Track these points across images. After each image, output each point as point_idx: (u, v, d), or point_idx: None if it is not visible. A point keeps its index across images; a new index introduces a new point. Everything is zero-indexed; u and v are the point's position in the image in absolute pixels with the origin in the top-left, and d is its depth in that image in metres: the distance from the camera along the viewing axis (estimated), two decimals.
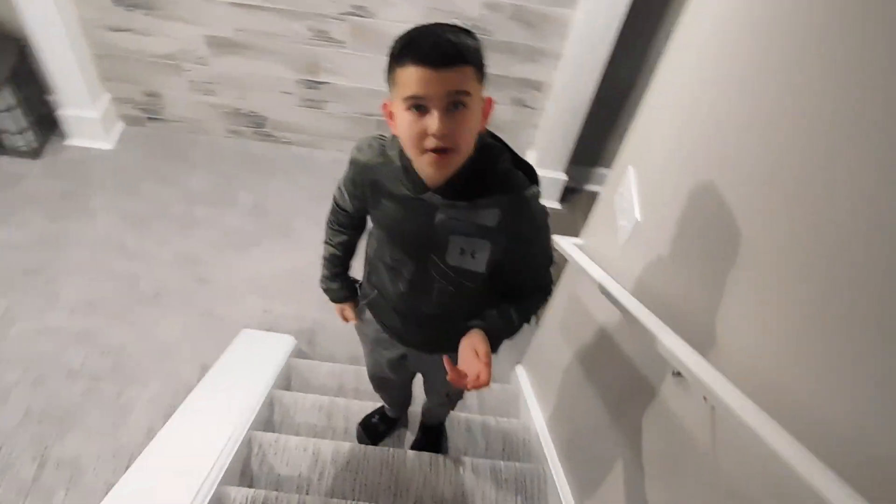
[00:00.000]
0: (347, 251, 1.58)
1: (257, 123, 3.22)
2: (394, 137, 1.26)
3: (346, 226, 1.53)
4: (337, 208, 1.52)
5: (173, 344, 2.48)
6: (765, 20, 1.11)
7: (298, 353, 2.52)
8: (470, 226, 1.23)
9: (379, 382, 1.88)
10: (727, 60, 1.22)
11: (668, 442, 1.30)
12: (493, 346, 1.33)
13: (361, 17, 2.70)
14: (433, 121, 1.06)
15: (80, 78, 2.89)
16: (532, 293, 1.39)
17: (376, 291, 1.52)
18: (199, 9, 2.72)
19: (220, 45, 2.86)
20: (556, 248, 1.99)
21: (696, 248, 1.28)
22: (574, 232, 2.20)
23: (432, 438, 2.18)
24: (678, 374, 1.21)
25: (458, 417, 2.22)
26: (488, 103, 1.17)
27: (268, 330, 2.56)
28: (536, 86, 2.91)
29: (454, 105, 1.06)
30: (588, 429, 1.76)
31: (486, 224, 1.22)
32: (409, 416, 2.23)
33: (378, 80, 2.93)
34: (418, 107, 1.07)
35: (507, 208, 1.22)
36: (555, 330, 2.21)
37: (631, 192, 1.61)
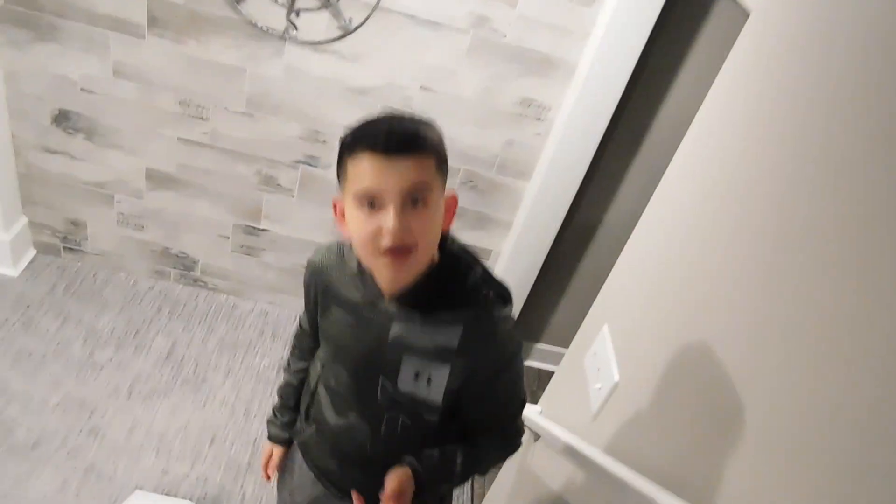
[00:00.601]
0: (304, 380, 1.39)
1: (186, 266, 3.05)
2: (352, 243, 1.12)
3: (307, 351, 1.36)
4: (300, 331, 1.37)
5: (41, 501, 2.13)
6: (746, 182, 1.08)
7: None
8: (427, 344, 1.06)
9: None
10: (709, 217, 1.17)
11: None
12: (422, 490, 1.13)
13: (313, 166, 2.68)
14: (388, 217, 0.93)
15: None
16: (492, 439, 1.21)
17: (314, 427, 1.30)
18: (143, 140, 2.64)
19: (159, 179, 2.75)
20: None
21: (687, 409, 1.14)
22: None
23: None
24: None
25: None
26: (452, 201, 1.05)
27: (165, 494, 2.25)
28: (484, 254, 2.93)
29: (413, 201, 0.94)
30: None
31: (446, 344, 1.06)
32: None
33: (322, 234, 2.90)
34: (372, 203, 0.94)
35: (472, 327, 1.06)
36: None
37: (606, 351, 1.49)
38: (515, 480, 1.94)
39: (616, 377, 1.42)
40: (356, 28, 2.32)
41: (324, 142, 2.60)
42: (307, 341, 1.36)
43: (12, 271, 2.88)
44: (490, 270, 1.13)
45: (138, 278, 3.07)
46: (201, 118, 2.58)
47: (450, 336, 1.05)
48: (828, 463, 0.77)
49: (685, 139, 1.37)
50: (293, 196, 2.79)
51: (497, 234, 2.82)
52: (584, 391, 1.57)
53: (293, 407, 1.41)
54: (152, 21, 2.36)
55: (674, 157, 1.41)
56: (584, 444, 1.42)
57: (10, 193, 2.77)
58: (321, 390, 1.27)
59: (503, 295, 1.11)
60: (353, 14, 2.30)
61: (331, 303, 1.16)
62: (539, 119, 2.50)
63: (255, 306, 3.12)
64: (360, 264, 1.09)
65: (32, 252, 3.00)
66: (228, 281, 3.10)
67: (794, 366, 0.85)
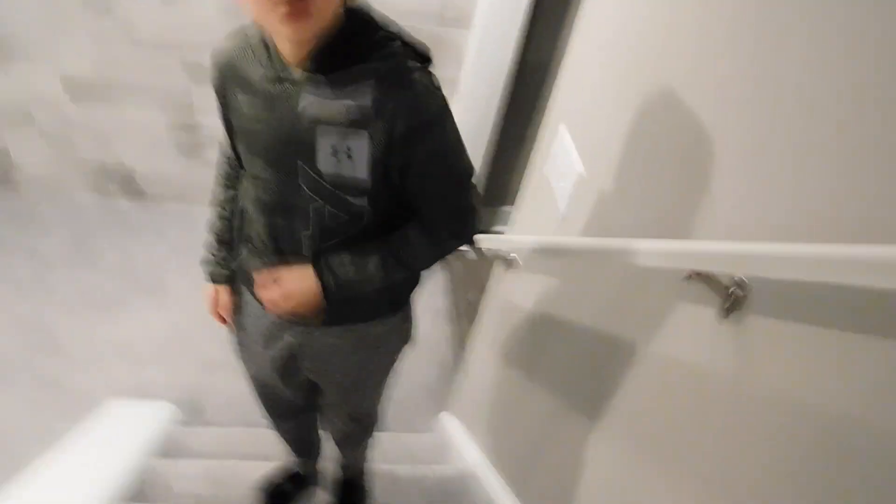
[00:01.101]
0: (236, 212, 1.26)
1: (125, 178, 2.89)
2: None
3: (235, 178, 1.27)
4: (222, 157, 1.27)
5: (11, 423, 2.07)
6: None
7: (181, 424, 2.18)
8: (340, 111, 0.97)
9: (267, 397, 1.51)
10: None
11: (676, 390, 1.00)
12: (331, 290, 1.09)
13: None
14: None
15: None
16: (441, 223, 1.10)
17: (247, 246, 1.21)
18: (53, 47, 2.45)
19: (78, 86, 2.58)
20: (478, 246, 1.84)
21: (659, 174, 1.07)
22: (489, 277, 2.07)
23: (352, 497, 1.81)
24: (693, 275, 0.94)
25: (381, 470, 1.94)
26: None
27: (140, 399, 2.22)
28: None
29: None
30: (544, 439, 1.48)
31: (359, 103, 0.96)
32: (323, 475, 1.92)
33: None
34: None
35: (384, 79, 0.96)
36: (484, 356, 2.00)
37: (567, 148, 1.43)
38: (497, 322, 1.95)
39: (580, 168, 1.36)
40: None
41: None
42: (232, 166, 1.26)
43: None
44: (404, 30, 1.03)
45: (78, 198, 2.93)
46: (111, 11, 2.40)
47: (362, 94, 0.96)
48: (796, 197, 0.74)
49: None
50: None
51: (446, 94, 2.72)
52: (551, 199, 1.54)
53: (228, 240, 1.31)
54: None
55: None
56: (558, 239, 1.38)
57: None
58: (247, 205, 1.18)
59: (423, 52, 1.02)
60: None
61: (235, 89, 1.06)
62: None
63: (204, 210, 3.00)
64: (262, 37, 1.00)
65: None
66: (172, 187, 2.96)
67: (759, 112, 0.80)
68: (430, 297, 2.76)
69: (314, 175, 1.02)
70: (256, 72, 1.01)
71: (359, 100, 0.95)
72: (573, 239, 1.34)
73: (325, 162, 1.00)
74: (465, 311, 2.67)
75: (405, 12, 2.44)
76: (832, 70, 0.70)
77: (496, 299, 1.97)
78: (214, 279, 1.33)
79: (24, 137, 2.72)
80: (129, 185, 2.95)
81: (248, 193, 1.15)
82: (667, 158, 1.04)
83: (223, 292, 1.33)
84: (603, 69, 1.32)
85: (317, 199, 1.04)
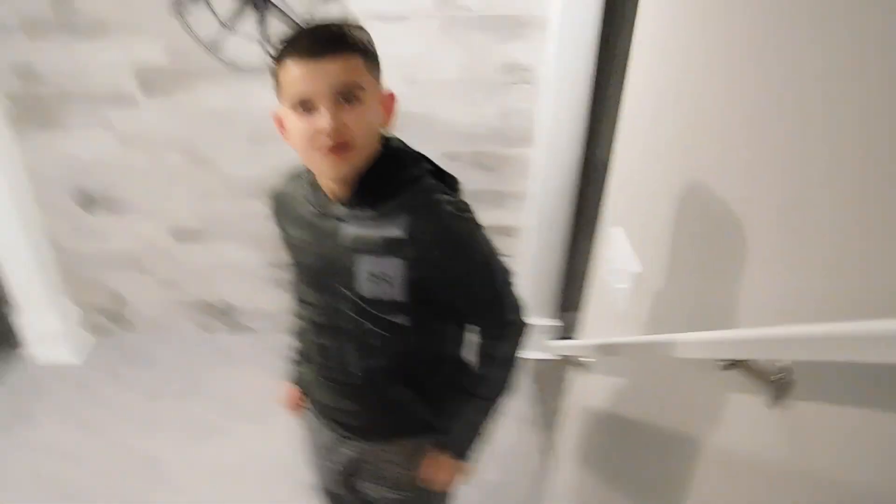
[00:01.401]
0: None
1: (228, 314, 3.16)
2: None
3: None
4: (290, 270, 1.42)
5: None
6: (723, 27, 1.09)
7: None
8: (377, 241, 1.11)
9: (330, 499, 1.60)
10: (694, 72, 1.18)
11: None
12: (464, 453, 1.26)
13: None
14: (322, 117, 1.00)
15: (42, 289, 2.87)
16: (492, 326, 1.23)
17: (305, 366, 1.37)
18: (160, 200, 2.79)
19: (184, 234, 2.90)
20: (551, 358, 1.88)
21: (704, 263, 1.12)
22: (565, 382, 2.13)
23: None
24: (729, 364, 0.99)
25: None
26: (389, 97, 1.11)
27: None
28: (508, 231, 3.00)
29: (345, 99, 1.01)
30: None
31: (394, 235, 1.10)
32: None
33: None
34: (306, 107, 1.01)
35: (416, 212, 1.10)
36: (568, 463, 2.04)
37: (623, 250, 1.53)
38: (580, 432, 1.98)
39: (637, 268, 1.45)
40: None
41: None
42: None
43: (70, 355, 3.06)
44: (435, 162, 1.19)
45: (186, 335, 3.21)
46: (208, 164, 2.74)
47: (397, 226, 1.09)
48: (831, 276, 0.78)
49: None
50: None
51: (515, 207, 2.86)
52: (612, 300, 1.61)
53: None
54: (143, 87, 2.52)
55: (634, 35, 1.48)
56: (620, 336, 1.45)
57: (56, 286, 2.96)
58: (300, 321, 1.35)
59: (447, 179, 1.17)
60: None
61: (287, 224, 1.23)
62: (526, 81, 2.55)
63: None
64: (310, 177, 1.16)
65: (86, 335, 3.18)
66: (272, 319, 3.21)
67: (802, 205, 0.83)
68: (516, 406, 2.81)
69: (356, 298, 1.16)
70: (305, 208, 1.17)
71: (394, 231, 1.10)
72: (625, 338, 1.41)
73: (365, 286, 1.14)
74: (547, 419, 2.69)
75: (470, 135, 2.64)
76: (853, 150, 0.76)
77: (573, 404, 2.02)
78: (290, 378, 1.51)
79: (134, 280, 3.05)
80: (229, 319, 3.21)
81: (303, 315, 1.32)
82: (708, 248, 1.12)
83: (292, 390, 1.51)
84: (645, 166, 1.43)
85: (360, 319, 1.18)
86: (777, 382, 0.86)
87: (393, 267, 1.12)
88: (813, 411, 0.81)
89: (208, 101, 2.59)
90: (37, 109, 2.59)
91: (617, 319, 1.58)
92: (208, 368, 3.04)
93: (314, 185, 1.17)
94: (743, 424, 0.98)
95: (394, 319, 1.18)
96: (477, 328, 1.26)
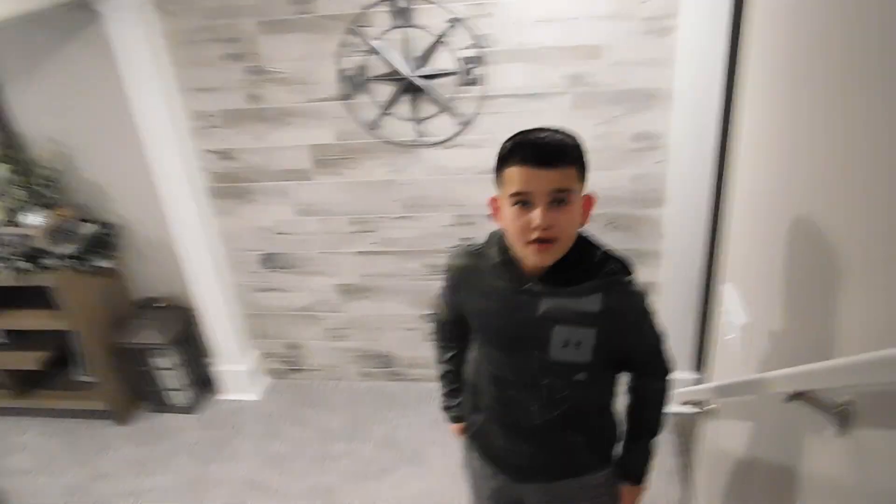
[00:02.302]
0: (460, 365, 1.66)
1: (387, 363, 3.55)
2: (491, 236, 1.41)
3: (451, 338, 1.65)
4: (438, 325, 1.66)
5: None
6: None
7: None
8: (574, 314, 1.31)
9: None
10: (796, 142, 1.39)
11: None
12: (644, 478, 1.50)
13: None
14: (536, 215, 1.20)
15: (233, 338, 3.41)
16: (654, 374, 1.47)
17: (481, 415, 1.55)
18: (330, 261, 3.26)
19: (350, 291, 3.34)
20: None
21: (805, 306, 1.27)
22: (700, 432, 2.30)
23: None
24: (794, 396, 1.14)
25: None
26: (589, 201, 1.30)
27: None
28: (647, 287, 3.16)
29: (557, 202, 1.20)
30: None
31: (590, 310, 1.31)
32: None
33: None
34: (524, 203, 1.21)
35: (609, 292, 1.31)
36: None
37: (733, 304, 1.70)
38: (718, 474, 2.16)
39: (744, 318, 1.63)
40: (472, 118, 2.81)
41: (472, 223, 3.05)
42: (448, 329, 1.63)
43: (255, 396, 3.58)
44: (610, 248, 1.41)
45: (352, 382, 3.64)
46: (370, 230, 3.17)
47: (591, 303, 1.31)
48: None
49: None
50: None
51: (651, 265, 3.06)
52: (727, 353, 1.79)
53: (456, 389, 1.69)
54: (316, 164, 3.02)
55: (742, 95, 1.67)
56: (738, 377, 1.58)
57: (242, 332, 3.52)
58: (480, 379, 1.52)
59: (626, 263, 1.39)
60: (466, 108, 2.79)
61: (476, 295, 1.42)
62: (655, 148, 2.78)
63: None
64: (503, 255, 1.36)
65: (266, 378, 3.69)
66: (426, 368, 3.56)
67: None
68: (663, 458, 2.97)
69: (546, 360, 1.37)
70: (496, 283, 1.37)
71: (589, 307, 1.32)
72: (727, 380, 1.58)
73: (557, 351, 1.36)
74: (688, 470, 2.83)
75: (607, 199, 2.92)
76: None
77: (706, 450, 2.19)
78: (456, 421, 1.73)
79: (312, 333, 3.56)
80: (391, 369, 3.64)
81: (482, 371, 1.51)
82: (807, 294, 1.26)
83: (460, 427, 1.72)
84: (755, 223, 1.61)
85: (547, 377, 1.39)
86: (842, 412, 1.01)
87: (586, 336, 1.34)
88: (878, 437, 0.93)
89: (368, 174, 3.04)
90: (232, 185, 3.18)
91: (733, 366, 1.76)
92: (372, 412, 3.43)
93: (507, 263, 1.35)
94: (817, 456, 1.13)
95: (575, 377, 1.40)
96: (639, 377, 1.52)
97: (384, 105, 2.86)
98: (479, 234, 2.97)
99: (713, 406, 2.03)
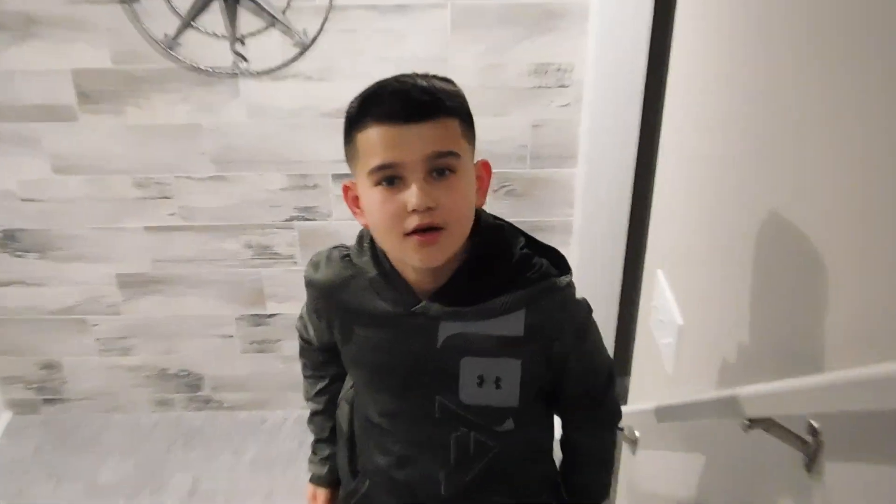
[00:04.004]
0: (335, 402, 1.61)
1: (191, 386, 3.45)
2: (361, 241, 1.33)
3: (322, 366, 1.59)
4: (305, 346, 1.60)
5: None
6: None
7: None
8: (487, 341, 1.25)
9: None
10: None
11: None
12: None
13: (310, 219, 3.08)
14: (411, 193, 1.11)
15: None
16: (596, 420, 1.46)
17: (367, 481, 1.50)
18: (105, 241, 3.11)
19: (135, 284, 3.20)
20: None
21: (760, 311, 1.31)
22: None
23: None
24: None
25: None
26: (484, 168, 1.25)
27: None
28: None
29: (438, 171, 1.13)
30: None
31: (511, 333, 1.25)
32: None
33: None
34: (390, 179, 1.13)
35: (536, 306, 1.25)
36: None
37: (666, 297, 1.76)
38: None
39: (679, 319, 1.68)
40: (314, 38, 2.73)
41: (315, 186, 3.00)
42: (316, 356, 1.58)
43: None
44: (532, 237, 1.34)
45: (138, 414, 3.50)
46: (165, 197, 3.04)
47: (511, 323, 1.25)
48: None
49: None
50: (296, 262, 3.18)
51: (558, 242, 3.08)
52: (658, 357, 1.85)
53: (329, 437, 1.63)
54: (82, 97, 2.85)
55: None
56: (668, 400, 1.67)
57: None
58: (361, 433, 1.49)
59: (558, 261, 1.31)
60: (307, 24, 2.71)
61: (351, 322, 1.35)
62: (563, 85, 2.82)
63: (288, 414, 3.50)
64: (379, 265, 1.29)
65: (6, 413, 3.49)
66: (247, 391, 3.47)
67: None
68: None
69: (454, 407, 1.32)
70: (378, 306, 1.30)
71: (509, 330, 1.26)
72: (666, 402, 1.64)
73: (470, 393, 1.30)
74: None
75: (497, 156, 2.91)
76: None
77: (631, 492, 2.26)
78: (314, 480, 1.68)
79: (78, 346, 3.36)
80: (195, 394, 3.50)
81: (368, 428, 1.46)
82: (751, 295, 1.32)
83: (321, 495, 1.67)
84: (687, 197, 1.67)
85: (454, 429, 1.35)
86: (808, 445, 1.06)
87: (508, 369, 1.29)
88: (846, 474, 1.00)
89: (162, 114, 2.91)
90: None
91: (665, 383, 1.82)
92: (166, 455, 3.32)
93: (387, 275, 1.29)
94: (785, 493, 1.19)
95: (499, 428, 1.36)
96: (574, 425, 1.50)
97: (187, 14, 2.73)
98: (324, 202, 2.96)
99: (637, 435, 2.08)
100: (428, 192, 1.12)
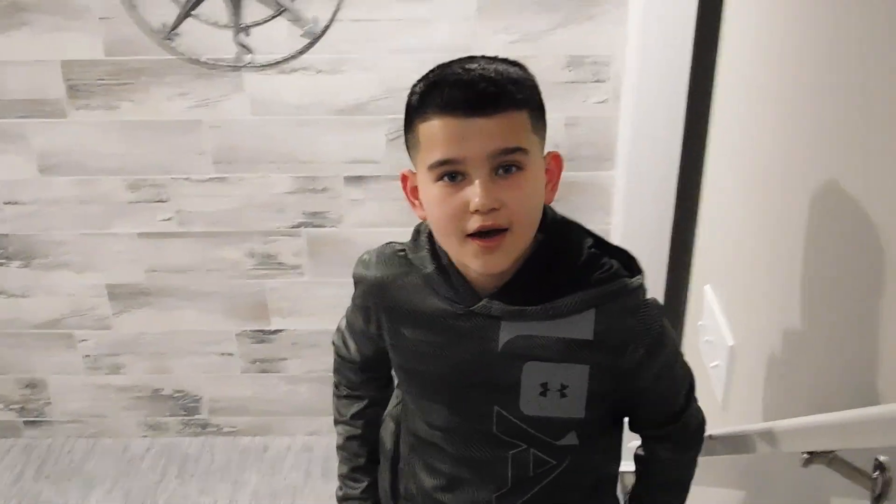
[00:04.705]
0: (373, 428, 1.61)
1: (187, 408, 3.50)
2: (417, 233, 1.36)
3: (360, 385, 1.60)
4: (342, 362, 1.60)
5: None
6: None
7: None
8: (554, 345, 1.26)
9: None
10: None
11: None
12: None
13: (319, 226, 3.12)
14: (474, 193, 1.12)
15: None
16: (674, 438, 1.43)
17: (401, 499, 1.52)
18: (94, 248, 3.16)
19: (127, 295, 3.26)
20: None
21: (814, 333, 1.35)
22: None
23: None
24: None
25: None
26: (555, 161, 1.27)
27: None
28: None
29: (504, 167, 1.14)
30: None
31: (578, 337, 1.25)
32: None
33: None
34: (452, 175, 1.15)
35: (606, 309, 1.25)
36: None
37: (715, 315, 1.78)
38: None
39: (730, 341, 1.70)
40: (325, 28, 2.78)
41: (324, 189, 3.05)
42: (357, 371, 1.59)
43: None
44: (601, 237, 1.35)
45: (129, 439, 3.56)
46: (160, 200, 3.10)
47: (581, 325, 1.25)
48: None
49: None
50: (303, 273, 3.24)
51: None
52: (706, 382, 1.86)
53: (366, 466, 1.62)
54: (72, 91, 2.91)
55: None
56: (717, 430, 1.67)
57: None
58: (408, 452, 1.49)
59: (629, 262, 1.32)
60: (317, 12, 2.76)
61: (402, 324, 1.36)
62: (599, 80, 2.86)
63: (293, 441, 3.55)
64: (437, 261, 1.31)
65: None
66: (248, 415, 3.53)
67: None
68: None
69: (512, 418, 1.32)
70: (433, 305, 1.31)
71: (577, 333, 1.26)
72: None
73: (531, 403, 1.30)
74: None
75: None
76: None
77: None
78: None
79: (64, 363, 3.42)
80: (191, 417, 3.56)
81: (416, 445, 1.47)
82: (831, 303, 1.33)
83: None
84: (739, 206, 1.69)
85: (513, 444, 1.34)
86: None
87: (574, 376, 1.29)
88: None
89: (159, 109, 2.97)
90: None
91: (714, 408, 1.82)
92: (159, 485, 3.37)
93: (445, 272, 1.30)
94: None
95: (560, 442, 1.36)
96: (650, 443, 1.49)
97: (186, 1, 2.79)
98: (335, 207, 3.01)
99: None
100: (492, 191, 1.14)
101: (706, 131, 1.93)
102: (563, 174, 1.25)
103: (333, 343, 1.62)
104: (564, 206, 2.70)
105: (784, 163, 1.50)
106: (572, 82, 2.91)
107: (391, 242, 1.42)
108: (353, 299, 1.48)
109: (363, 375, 1.59)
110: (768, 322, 1.55)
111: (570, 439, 1.35)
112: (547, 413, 1.31)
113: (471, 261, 1.21)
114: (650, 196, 2.94)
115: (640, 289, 1.30)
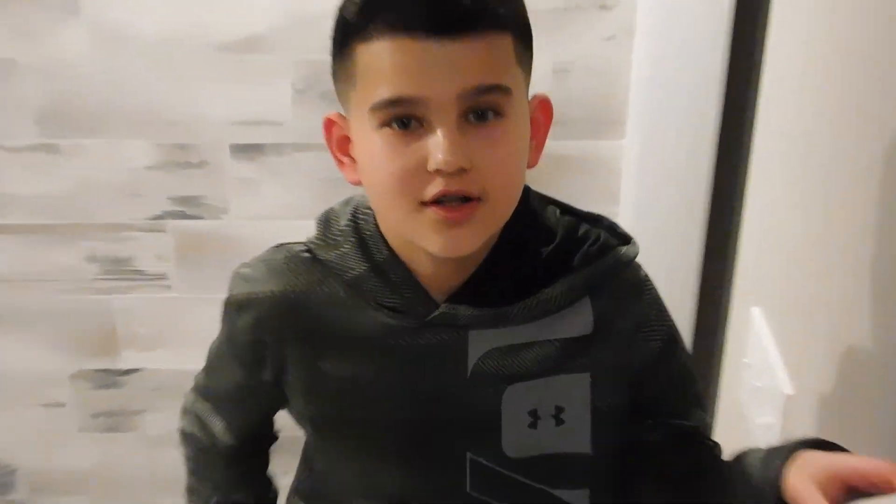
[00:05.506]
0: None
1: (2, 484, 3.47)
2: (329, 226, 1.34)
3: (238, 486, 1.59)
4: (202, 457, 1.60)
5: None
6: None
7: None
8: (542, 353, 1.27)
9: None
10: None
11: None
12: None
13: (194, 216, 3.10)
14: (437, 144, 1.11)
15: None
16: (687, 446, 1.42)
17: None
18: None
19: None
20: None
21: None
22: None
23: None
24: None
25: None
26: (542, 108, 1.33)
27: None
28: None
29: (477, 113, 1.15)
30: None
31: (577, 333, 1.27)
32: None
33: None
34: (405, 121, 1.14)
35: (606, 291, 1.29)
36: None
37: (766, 350, 1.78)
38: None
39: (787, 388, 1.70)
40: None
41: (201, 164, 3.02)
42: (229, 470, 1.58)
43: None
44: (565, 203, 1.39)
45: None
46: None
47: (578, 318, 1.27)
48: None
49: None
50: (169, 286, 3.20)
51: None
52: (752, 444, 1.88)
53: None
54: None
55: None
56: None
57: None
58: None
59: (611, 228, 1.37)
60: None
61: (320, 358, 1.34)
62: (604, 6, 2.87)
63: None
64: (373, 256, 1.30)
65: None
66: (86, 494, 3.49)
67: None
68: None
69: (496, 466, 1.31)
70: (367, 322, 1.30)
71: (572, 330, 1.29)
72: None
73: (517, 442, 1.30)
74: None
75: None
76: None
77: None
78: None
79: None
80: (2, 497, 3.51)
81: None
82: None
83: None
84: (796, 209, 1.71)
85: (502, 499, 1.33)
86: None
87: (573, 391, 1.30)
88: None
89: None
90: None
91: None
92: None
93: (384, 269, 1.31)
94: None
95: (559, 491, 1.35)
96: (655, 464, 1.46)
97: None
98: (216, 190, 2.99)
99: None
100: (460, 144, 1.12)
101: (757, 83, 1.90)
102: (549, 144, 1.24)
103: (182, 433, 1.60)
104: (552, 190, 2.72)
105: (868, 142, 1.48)
106: (565, 9, 2.88)
107: (283, 244, 1.40)
108: (228, 340, 1.46)
109: (239, 469, 1.58)
110: (841, 365, 1.53)
111: (579, 485, 1.35)
112: (540, 450, 1.30)
113: (426, 237, 1.19)
114: (675, 176, 2.94)
115: (636, 263, 1.36)
